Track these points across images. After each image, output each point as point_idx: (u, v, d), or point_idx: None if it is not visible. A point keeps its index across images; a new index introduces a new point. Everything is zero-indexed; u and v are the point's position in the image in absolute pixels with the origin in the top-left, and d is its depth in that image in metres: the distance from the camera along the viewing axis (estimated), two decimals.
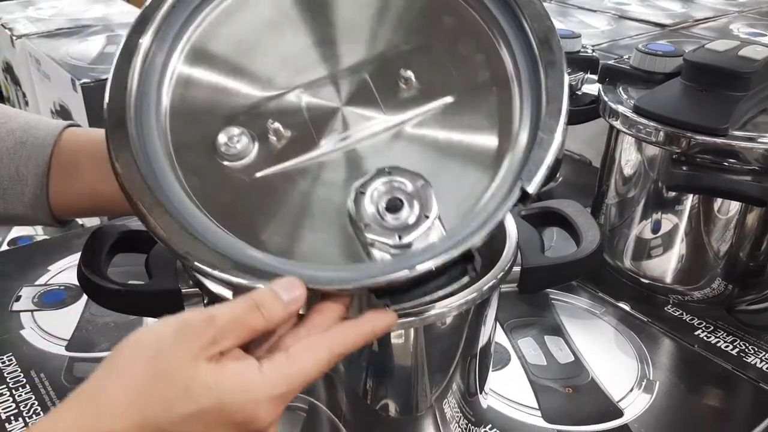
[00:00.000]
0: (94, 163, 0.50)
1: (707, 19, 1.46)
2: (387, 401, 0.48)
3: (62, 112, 1.07)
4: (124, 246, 0.51)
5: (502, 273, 0.47)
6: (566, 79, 0.41)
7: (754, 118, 0.66)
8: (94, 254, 0.48)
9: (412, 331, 0.45)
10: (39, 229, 0.95)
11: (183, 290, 0.46)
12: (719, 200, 0.68)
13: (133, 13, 1.36)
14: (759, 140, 0.63)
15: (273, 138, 0.41)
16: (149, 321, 0.70)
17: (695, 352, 0.68)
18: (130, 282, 0.71)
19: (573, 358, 0.67)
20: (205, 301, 0.47)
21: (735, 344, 0.69)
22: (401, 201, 0.39)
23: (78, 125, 0.53)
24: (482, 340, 0.50)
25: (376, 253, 0.38)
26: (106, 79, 1.01)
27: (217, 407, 0.33)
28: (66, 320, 0.71)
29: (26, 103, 1.24)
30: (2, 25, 1.25)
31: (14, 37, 1.19)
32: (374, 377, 0.47)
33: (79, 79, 0.95)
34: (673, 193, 0.70)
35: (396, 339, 0.45)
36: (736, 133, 0.64)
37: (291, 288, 0.36)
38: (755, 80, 0.66)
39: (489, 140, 0.42)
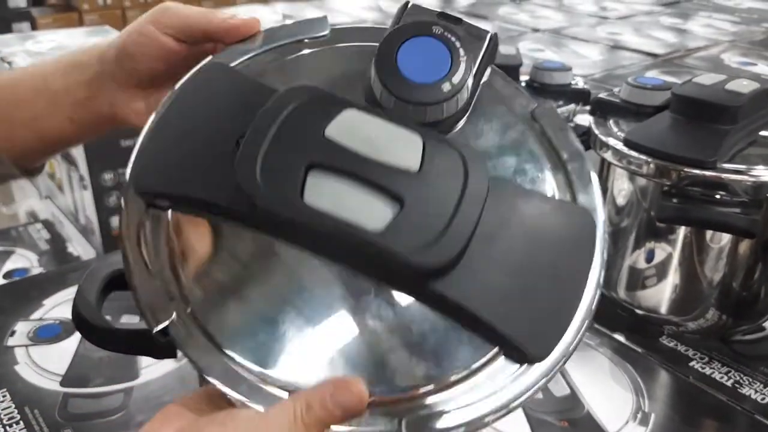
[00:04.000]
0: (30, 101, 0.49)
1: (699, 48, 1.48)
2: None
3: None
4: (118, 284, 0.51)
5: None
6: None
7: (743, 150, 0.67)
8: (88, 294, 0.48)
9: None
10: (35, 261, 0.95)
11: None
12: (711, 231, 0.69)
13: None
14: (747, 173, 0.64)
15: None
16: (143, 359, 0.70)
17: (690, 383, 0.68)
18: (124, 317, 0.71)
19: (569, 391, 0.67)
20: None
21: (730, 375, 0.69)
22: None
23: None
24: None
25: None
26: None
27: None
28: (61, 355, 0.71)
29: None
30: (1, 58, 1.26)
31: None
32: None
33: None
34: None
35: None
36: (725, 165, 0.64)
37: (346, 397, 0.35)
38: (742, 113, 0.67)
39: None
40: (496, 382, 0.37)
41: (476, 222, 0.36)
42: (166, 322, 0.37)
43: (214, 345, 0.37)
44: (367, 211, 0.35)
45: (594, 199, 0.42)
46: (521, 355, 0.37)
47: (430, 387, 0.36)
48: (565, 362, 0.38)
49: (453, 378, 0.36)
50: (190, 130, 0.41)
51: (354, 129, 0.37)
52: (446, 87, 0.40)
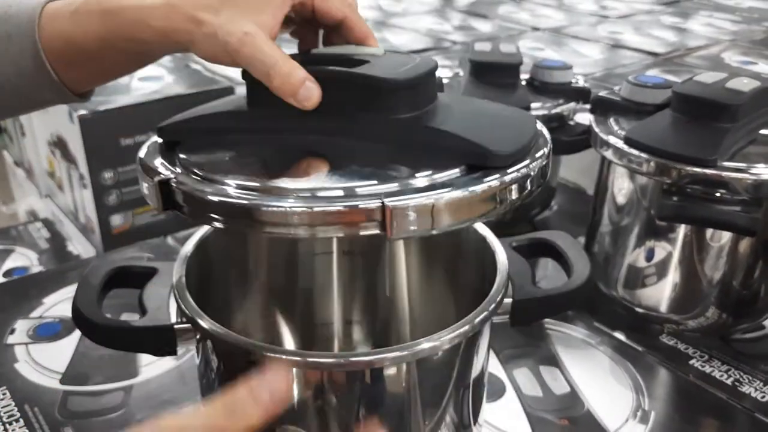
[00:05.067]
0: (83, 24, 0.48)
1: (700, 47, 1.48)
2: None
3: (59, 144, 1.07)
4: (118, 282, 0.51)
5: (493, 305, 0.48)
6: None
7: (743, 148, 0.67)
8: (88, 291, 0.48)
9: (404, 365, 0.45)
10: (35, 260, 0.95)
11: (176, 327, 0.46)
12: (711, 229, 0.69)
13: None
14: (748, 171, 0.64)
15: None
16: (143, 357, 0.70)
17: (690, 382, 0.68)
18: (124, 315, 0.71)
19: (569, 389, 0.67)
20: (197, 337, 0.47)
21: (730, 373, 0.69)
22: None
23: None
24: (475, 372, 0.50)
25: None
26: (104, 110, 1.01)
27: None
28: (60, 353, 0.71)
29: (23, 134, 1.25)
30: None
31: None
32: (367, 410, 0.47)
33: (75, 110, 0.95)
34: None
35: (388, 372, 0.46)
36: (726, 164, 0.64)
37: (273, 384, 0.37)
38: (743, 112, 0.67)
39: None
40: (470, 178, 0.41)
41: (431, 68, 0.45)
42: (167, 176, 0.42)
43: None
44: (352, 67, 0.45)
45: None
46: (483, 157, 0.42)
47: (406, 185, 0.40)
48: (532, 166, 0.43)
49: (428, 180, 0.41)
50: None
51: (331, 49, 0.50)
52: None
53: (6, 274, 0.91)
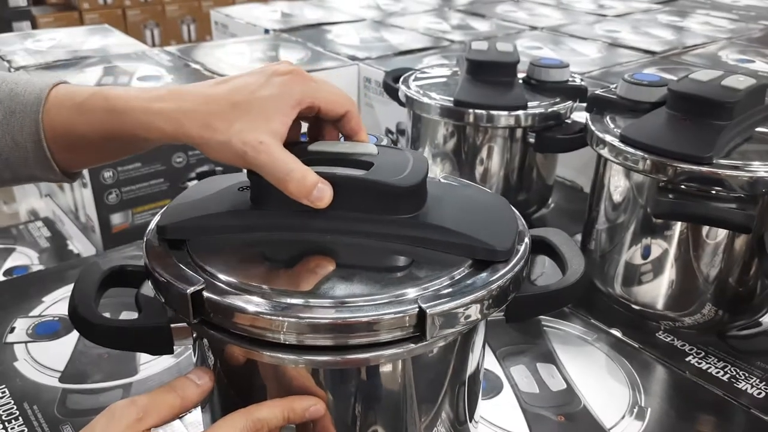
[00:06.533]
0: (88, 116, 0.49)
1: (697, 46, 1.48)
2: (376, 430, 0.48)
3: None
4: (114, 281, 0.51)
5: None
6: None
7: (738, 146, 0.67)
8: (85, 291, 0.48)
9: (399, 361, 0.45)
10: (35, 259, 0.95)
11: (172, 325, 0.47)
12: (707, 226, 0.69)
13: (130, 45, 1.37)
14: (743, 168, 0.64)
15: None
16: (142, 355, 0.71)
17: (686, 378, 0.68)
18: (123, 313, 0.72)
19: (565, 386, 0.67)
20: (194, 335, 0.47)
21: (726, 370, 0.69)
22: None
23: (65, 82, 0.52)
24: (471, 368, 0.50)
25: None
26: None
27: None
28: (60, 351, 0.71)
29: None
30: (1, 57, 1.26)
31: (12, 69, 1.21)
32: (363, 407, 0.47)
33: None
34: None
35: (384, 369, 0.46)
36: (721, 161, 0.65)
37: (202, 374, 0.46)
38: (738, 109, 0.67)
39: None
40: (484, 275, 0.45)
41: (427, 169, 0.49)
42: (200, 286, 0.43)
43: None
44: (351, 171, 0.48)
45: None
46: (492, 254, 0.46)
47: (432, 285, 0.44)
48: (525, 258, 0.48)
49: (450, 280, 0.44)
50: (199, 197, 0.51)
51: (326, 145, 0.51)
52: None
53: (6, 273, 0.91)
